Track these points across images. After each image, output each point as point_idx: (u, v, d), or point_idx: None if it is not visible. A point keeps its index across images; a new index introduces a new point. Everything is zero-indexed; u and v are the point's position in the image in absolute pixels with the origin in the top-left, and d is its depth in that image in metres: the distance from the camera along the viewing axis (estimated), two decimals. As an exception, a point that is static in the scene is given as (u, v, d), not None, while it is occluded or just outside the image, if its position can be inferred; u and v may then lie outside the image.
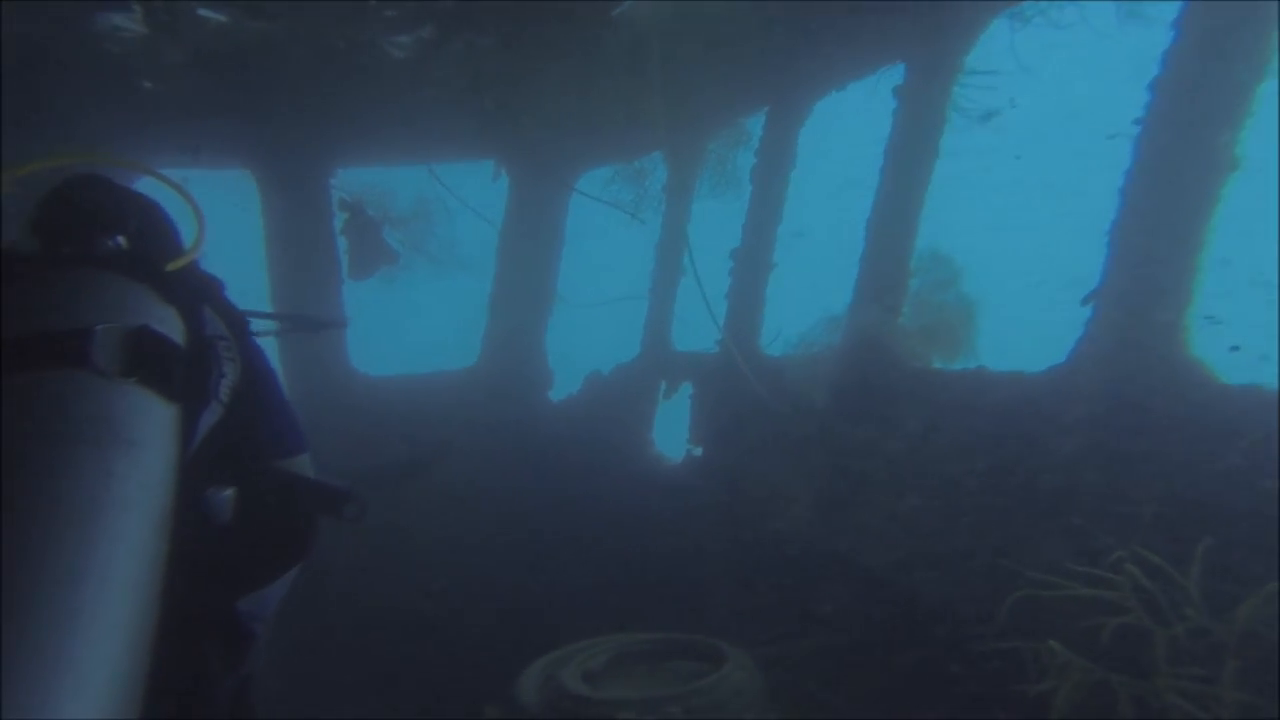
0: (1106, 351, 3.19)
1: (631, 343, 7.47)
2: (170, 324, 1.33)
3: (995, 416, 3.70)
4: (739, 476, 5.82)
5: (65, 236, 1.48)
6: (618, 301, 7.78)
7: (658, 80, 5.50)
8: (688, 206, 6.73)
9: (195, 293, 1.47)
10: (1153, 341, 3.05)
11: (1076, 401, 3.19)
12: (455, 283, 8.28)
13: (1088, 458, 3.01)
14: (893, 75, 4.68)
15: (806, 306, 5.32)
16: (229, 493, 1.37)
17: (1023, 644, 2.60)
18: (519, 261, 7.48)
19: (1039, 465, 3.27)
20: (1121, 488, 2.78)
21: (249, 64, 4.94)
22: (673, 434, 7.05)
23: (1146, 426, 2.84)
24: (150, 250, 1.58)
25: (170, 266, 1.55)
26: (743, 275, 6.17)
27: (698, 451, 6.56)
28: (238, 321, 1.61)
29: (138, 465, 1.15)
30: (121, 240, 1.54)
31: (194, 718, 1.21)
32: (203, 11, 4.29)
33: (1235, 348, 3.24)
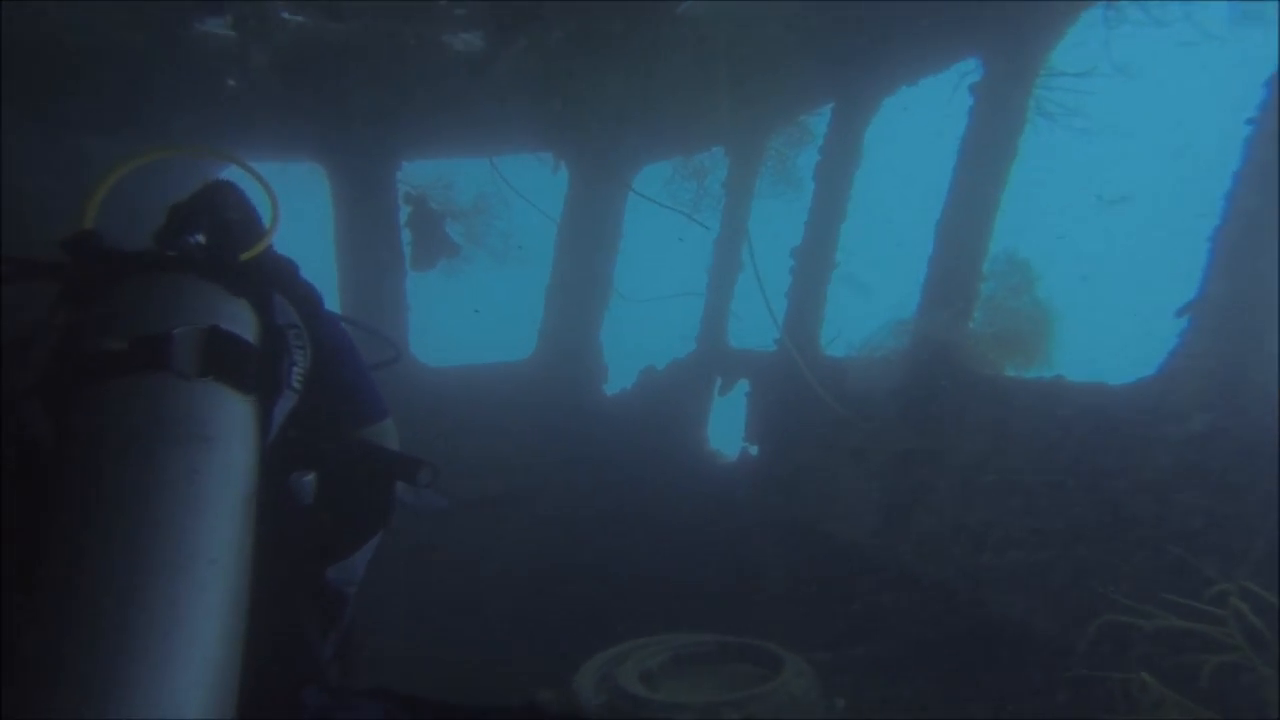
0: (1205, 365, 2.98)
1: (687, 338, 7.40)
2: (242, 319, 1.39)
3: (1076, 429, 3.51)
4: (796, 478, 5.71)
5: (158, 237, 1.58)
6: (674, 297, 7.71)
7: (722, 76, 5.39)
8: (748, 203, 6.61)
9: (267, 282, 1.51)
10: (1259, 355, 2.83)
11: (1171, 418, 2.99)
12: (513, 275, 8.32)
13: (1184, 480, 2.82)
14: (970, 70, 4.46)
15: (873, 309, 5.16)
16: (310, 477, 1.44)
17: (1109, 673, 2.45)
18: (576, 255, 7.46)
19: (1127, 484, 3.09)
20: (1224, 515, 2.60)
21: (325, 63, 5.03)
22: (727, 430, 6.97)
23: (1253, 448, 2.64)
24: (228, 243, 1.63)
25: (245, 256, 1.62)
26: (804, 274, 6.03)
27: (754, 450, 6.46)
28: (310, 302, 1.64)
29: (218, 460, 1.22)
30: (200, 237, 1.61)
31: (301, 675, 1.29)
32: (285, 14, 4.40)
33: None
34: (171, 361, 1.24)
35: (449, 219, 7.45)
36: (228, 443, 1.25)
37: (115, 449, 1.16)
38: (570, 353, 7.58)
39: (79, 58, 4.47)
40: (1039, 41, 4.14)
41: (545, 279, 7.72)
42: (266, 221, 1.78)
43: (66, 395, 1.24)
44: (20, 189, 4.81)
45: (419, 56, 5.50)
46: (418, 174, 7.26)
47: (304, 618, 1.43)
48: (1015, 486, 3.96)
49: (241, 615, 1.13)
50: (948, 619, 4.10)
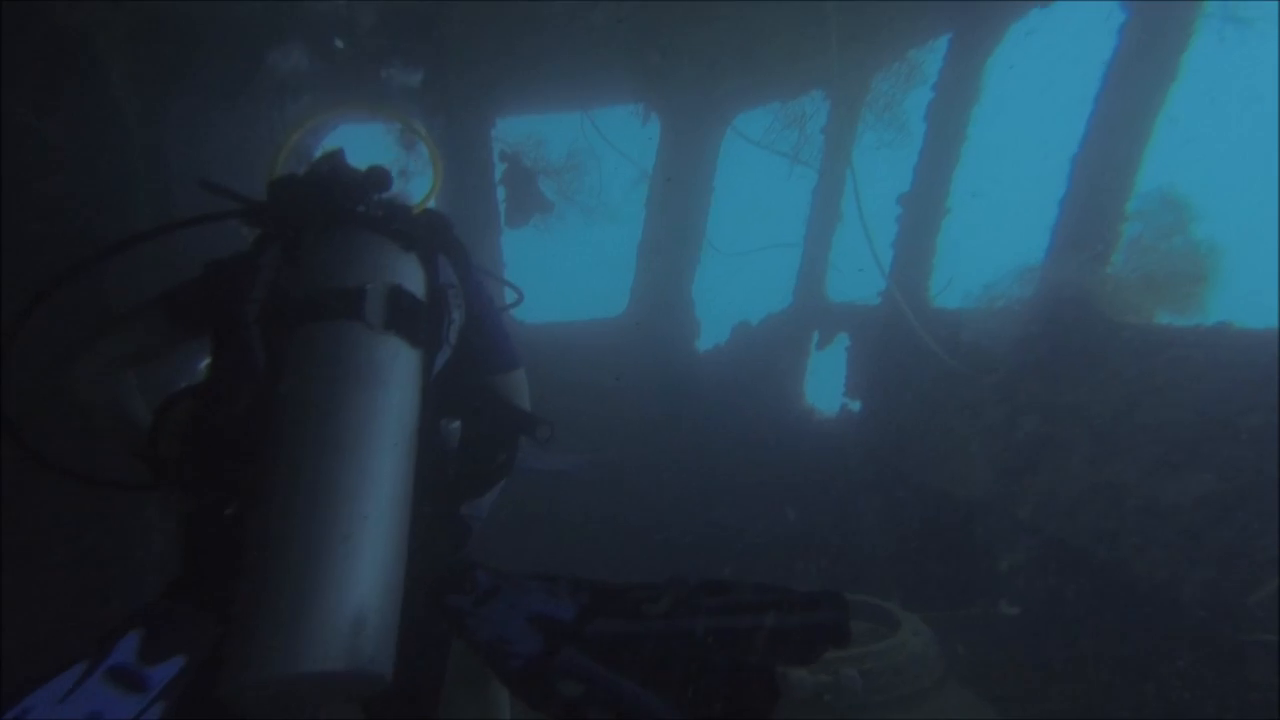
0: None
1: (782, 292, 7.14)
2: (414, 276, 1.57)
3: (1248, 379, 3.13)
4: (903, 433, 5.44)
5: (344, 196, 1.76)
6: (769, 249, 7.44)
7: (831, 11, 5.02)
8: (849, 148, 6.22)
9: (432, 241, 1.69)
10: None
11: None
12: (604, 232, 8.23)
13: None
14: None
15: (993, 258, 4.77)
16: (456, 424, 1.66)
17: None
18: (668, 207, 7.27)
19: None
20: None
21: (424, 20, 4.99)
22: (826, 386, 6.73)
23: None
24: (400, 203, 1.84)
25: (415, 209, 1.80)
26: (912, 221, 5.65)
27: (855, 405, 6.21)
28: (463, 260, 1.79)
29: (394, 402, 1.40)
30: (379, 197, 1.81)
31: (434, 582, 1.49)
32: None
33: None
34: (364, 314, 1.42)
35: (542, 176, 7.39)
36: (401, 388, 1.43)
37: (315, 385, 1.37)
38: (662, 308, 7.45)
39: (203, 30, 4.59)
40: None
41: (636, 235, 7.59)
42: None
43: (279, 332, 1.45)
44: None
45: (515, 10, 5.38)
46: (510, 131, 7.21)
47: (440, 540, 1.59)
48: (1164, 442, 3.60)
49: (406, 528, 1.35)
50: (1080, 582, 3.82)
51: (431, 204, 2.14)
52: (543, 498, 5.58)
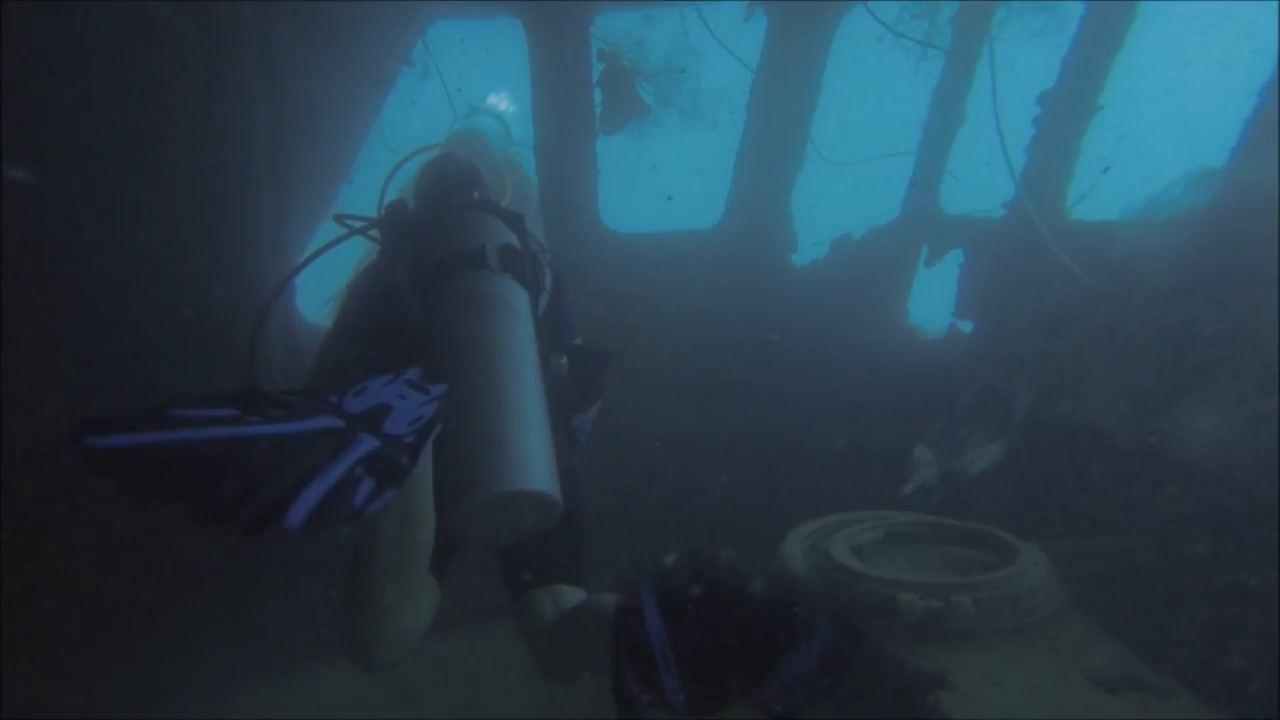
0: None
1: (889, 205, 6.51)
2: (514, 241, 2.06)
3: None
4: (1024, 356, 4.92)
5: (452, 192, 2.44)
6: (878, 159, 6.75)
7: None
8: (984, 35, 5.40)
9: (520, 222, 2.18)
10: None
11: None
12: (703, 138, 7.69)
13: None
14: None
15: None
16: (564, 359, 2.12)
17: None
18: (771, 111, 6.64)
19: None
20: None
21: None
22: (931, 305, 6.19)
23: None
24: (490, 196, 2.49)
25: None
26: (1055, 121, 4.91)
27: (966, 326, 5.68)
28: (540, 242, 2.30)
29: (523, 326, 1.85)
30: (477, 193, 2.45)
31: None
32: None
33: None
34: (488, 262, 1.91)
35: (639, 78, 6.86)
36: (525, 317, 1.88)
37: (463, 315, 1.80)
38: (758, 220, 6.94)
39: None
40: None
41: (733, 143, 7.01)
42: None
43: (426, 287, 1.92)
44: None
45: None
46: (610, 30, 6.66)
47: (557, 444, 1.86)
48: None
49: (547, 417, 1.75)
50: (1233, 519, 3.37)
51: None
52: (631, 418, 5.43)
